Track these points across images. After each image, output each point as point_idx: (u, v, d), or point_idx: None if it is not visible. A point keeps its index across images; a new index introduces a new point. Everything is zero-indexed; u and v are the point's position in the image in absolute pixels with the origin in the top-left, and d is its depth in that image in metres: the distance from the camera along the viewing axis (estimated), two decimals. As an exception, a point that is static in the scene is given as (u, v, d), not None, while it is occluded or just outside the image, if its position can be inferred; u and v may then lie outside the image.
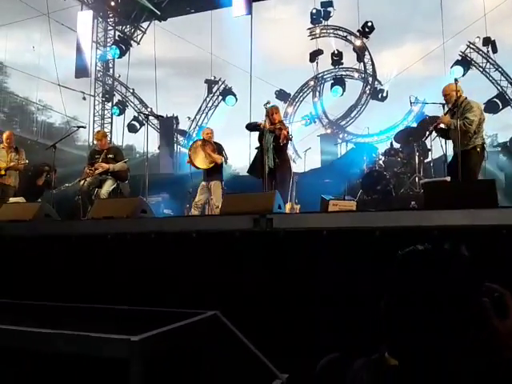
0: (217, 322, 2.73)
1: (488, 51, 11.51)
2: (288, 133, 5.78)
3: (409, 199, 6.46)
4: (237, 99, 13.73)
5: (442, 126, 5.22)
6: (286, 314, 2.83)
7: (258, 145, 6.05)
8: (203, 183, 6.89)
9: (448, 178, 4.75)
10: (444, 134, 5.37)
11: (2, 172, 6.90)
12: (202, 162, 6.78)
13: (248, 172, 5.99)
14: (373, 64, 13.15)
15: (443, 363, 0.95)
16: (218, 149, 6.85)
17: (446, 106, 5.37)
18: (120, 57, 13.68)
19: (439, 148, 6.09)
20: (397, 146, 8.23)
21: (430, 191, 3.39)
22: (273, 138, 5.73)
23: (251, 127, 6.03)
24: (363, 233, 2.76)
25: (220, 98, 14.22)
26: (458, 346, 0.97)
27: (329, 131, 13.76)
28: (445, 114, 5.23)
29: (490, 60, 11.55)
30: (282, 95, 13.90)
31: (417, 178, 7.08)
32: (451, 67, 11.37)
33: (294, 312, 2.81)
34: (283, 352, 2.79)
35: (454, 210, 2.71)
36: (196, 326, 2.59)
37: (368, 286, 2.65)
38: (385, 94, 12.72)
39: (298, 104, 14.40)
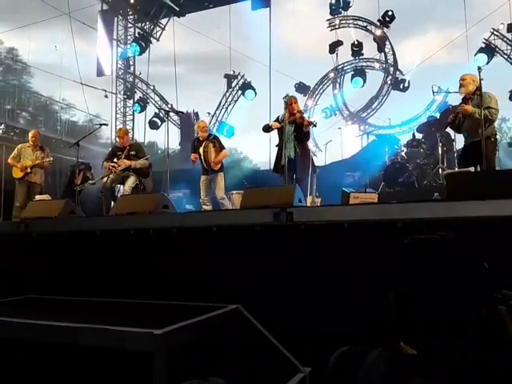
0: (239, 315, 2.76)
1: (513, 38, 11.19)
2: (310, 120, 5.79)
3: (432, 191, 6.34)
4: (256, 93, 13.71)
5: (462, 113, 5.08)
6: (308, 307, 2.83)
7: (277, 141, 6.03)
8: (204, 177, 6.77)
9: (472, 169, 4.65)
10: (456, 127, 5.31)
11: (28, 170, 7.10)
12: (215, 162, 6.64)
13: (273, 171, 5.95)
14: (394, 54, 12.94)
15: (459, 350, 0.94)
16: (219, 142, 6.79)
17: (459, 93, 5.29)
18: (140, 54, 13.82)
19: (463, 138, 5.97)
20: (419, 136, 8.10)
21: (453, 182, 3.32)
22: (293, 128, 5.71)
23: (267, 129, 5.97)
24: (385, 225, 2.73)
25: (239, 92, 14.22)
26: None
27: (350, 123, 13.62)
28: (464, 103, 5.14)
29: (515, 47, 11.23)
30: (301, 88, 13.82)
31: (440, 170, 6.95)
32: (475, 55, 11.09)
33: (315, 306, 2.81)
34: (306, 346, 2.80)
35: (478, 200, 2.65)
36: (218, 320, 2.62)
37: (390, 280, 2.63)
38: (406, 84, 12.49)
39: (317, 96, 14.30)
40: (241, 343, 2.73)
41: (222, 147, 6.75)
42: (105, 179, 6.49)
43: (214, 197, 6.78)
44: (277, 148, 5.97)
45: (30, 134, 7.45)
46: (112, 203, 6.75)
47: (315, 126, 5.84)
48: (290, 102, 5.75)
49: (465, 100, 5.18)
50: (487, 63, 10.82)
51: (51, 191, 8.27)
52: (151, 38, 14.13)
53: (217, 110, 14.65)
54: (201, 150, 6.64)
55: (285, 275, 2.90)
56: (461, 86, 5.22)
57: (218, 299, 2.80)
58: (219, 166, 6.70)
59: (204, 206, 6.73)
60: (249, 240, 3.12)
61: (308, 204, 5.99)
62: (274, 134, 6.16)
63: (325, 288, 2.81)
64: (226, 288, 3.04)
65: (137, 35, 14.09)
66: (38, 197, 6.37)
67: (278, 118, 5.83)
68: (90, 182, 7.49)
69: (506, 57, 11.30)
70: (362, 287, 2.68)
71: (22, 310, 2.99)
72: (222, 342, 2.61)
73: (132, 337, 2.16)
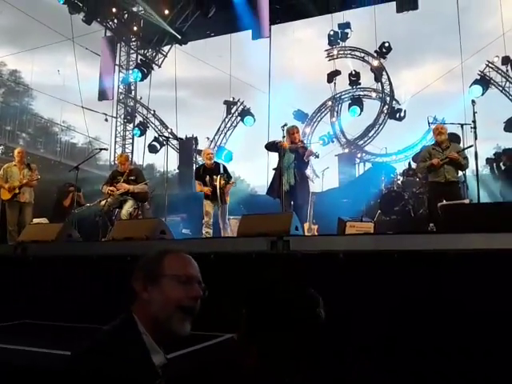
0: (234, 344, 2.75)
1: (507, 70, 11.43)
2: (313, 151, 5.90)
3: (427, 220, 6.40)
4: (255, 119, 13.89)
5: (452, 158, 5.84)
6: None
7: (274, 165, 6.11)
8: (209, 202, 6.66)
9: (466, 201, 4.73)
10: (431, 170, 6.06)
11: (17, 190, 6.80)
12: (227, 194, 6.72)
13: (267, 193, 6.02)
14: (390, 84, 13.19)
15: None
16: (228, 173, 6.81)
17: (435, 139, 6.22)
18: (142, 80, 14.02)
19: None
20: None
21: (448, 214, 3.37)
22: (294, 157, 5.80)
23: (270, 146, 6.04)
24: (381, 256, 2.76)
25: (238, 118, 14.40)
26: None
27: (347, 151, 13.77)
28: (433, 150, 6.14)
29: (509, 79, 11.47)
30: (299, 115, 14.01)
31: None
32: (470, 86, 11.32)
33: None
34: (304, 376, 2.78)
35: (472, 233, 2.69)
36: (214, 349, 2.62)
37: (386, 310, 2.64)
38: (402, 114, 12.71)
39: (315, 124, 14.48)
40: (237, 373, 2.72)
41: (230, 178, 6.76)
42: (103, 202, 6.50)
43: (215, 221, 6.74)
44: (274, 171, 6.04)
45: (16, 151, 7.21)
46: (109, 227, 6.77)
47: (317, 157, 5.98)
48: (292, 132, 5.89)
49: (440, 146, 6.05)
50: (482, 94, 11.05)
51: (47, 213, 8.18)
52: (153, 65, 14.37)
53: (216, 135, 14.79)
54: (207, 179, 6.63)
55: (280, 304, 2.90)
56: (440, 133, 6.08)
57: (214, 327, 2.80)
58: (228, 198, 6.75)
59: (207, 229, 6.60)
60: (245, 267, 3.13)
61: (305, 230, 6.03)
62: (272, 159, 6.26)
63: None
64: (222, 316, 3.03)
65: (139, 61, 14.33)
66: (35, 220, 6.35)
67: (276, 142, 5.90)
68: (88, 204, 7.49)
69: (500, 88, 11.54)
70: (358, 318, 2.69)
71: (17, 335, 2.98)
72: (218, 371, 2.59)
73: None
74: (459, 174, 5.99)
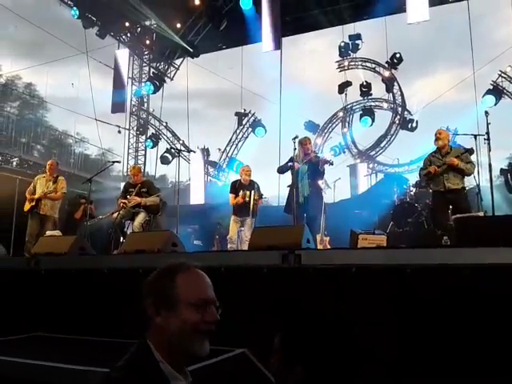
0: (245, 359, 2.73)
1: (520, 80, 11.34)
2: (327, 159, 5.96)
3: (441, 233, 6.32)
4: (266, 130, 13.93)
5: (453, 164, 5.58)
6: (314, 352, 2.79)
7: (289, 178, 6.09)
8: (236, 218, 6.93)
9: (481, 213, 4.66)
10: (430, 178, 5.83)
11: (33, 203, 6.73)
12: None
13: (285, 211, 5.97)
14: (402, 94, 13.16)
15: None
16: (259, 191, 7.07)
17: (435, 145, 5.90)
18: (154, 92, 14.18)
19: (471, 179, 6.02)
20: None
21: (462, 227, 3.33)
22: (307, 168, 5.80)
23: (283, 170, 6.01)
24: (394, 270, 2.72)
25: (250, 129, 14.46)
26: None
27: (358, 161, 13.71)
28: (433, 157, 5.87)
29: (522, 89, 11.37)
30: (310, 126, 14.01)
31: (450, 210, 6.92)
32: (483, 96, 11.23)
33: (321, 350, 2.77)
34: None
35: (486, 247, 2.65)
36: (225, 364, 2.60)
37: (395, 326, 2.60)
38: (414, 124, 12.65)
39: (326, 135, 14.47)
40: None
41: (261, 195, 7.11)
42: (115, 215, 6.55)
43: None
44: (288, 188, 6.02)
45: (48, 163, 7.14)
46: (121, 238, 6.81)
47: (332, 164, 5.97)
48: (304, 143, 5.90)
49: (440, 152, 5.78)
50: (495, 104, 10.95)
51: (60, 225, 8.24)
52: (165, 78, 14.53)
53: (227, 146, 14.87)
54: (241, 193, 6.89)
55: (291, 320, 2.88)
56: (438, 139, 5.79)
57: (225, 342, 2.78)
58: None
59: (230, 244, 6.79)
60: (256, 281, 3.12)
61: (317, 241, 5.99)
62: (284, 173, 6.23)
63: (332, 333, 2.77)
64: (232, 330, 3.01)
65: (151, 74, 14.52)
66: (48, 232, 6.39)
67: (291, 158, 5.88)
68: (100, 216, 7.54)
69: (513, 98, 11.44)
70: (370, 334, 2.65)
71: (30, 348, 2.99)
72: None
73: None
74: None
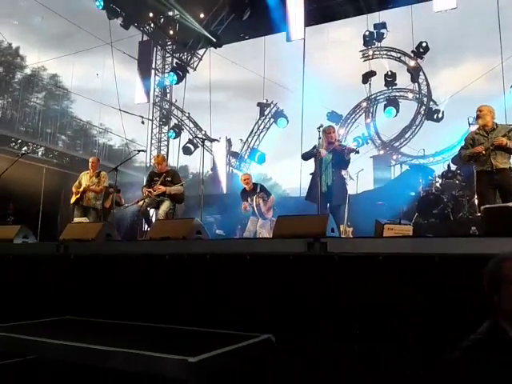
0: (271, 345, 2.75)
1: (551, 69, 10.99)
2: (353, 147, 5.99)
3: (467, 223, 6.21)
4: (288, 121, 13.87)
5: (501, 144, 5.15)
6: (339, 339, 2.80)
7: (310, 166, 6.08)
8: (255, 219, 7.49)
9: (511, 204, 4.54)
10: (476, 158, 5.37)
11: (78, 195, 7.44)
12: (267, 212, 7.54)
13: (306, 199, 5.97)
14: (428, 84, 12.92)
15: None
16: (265, 191, 7.57)
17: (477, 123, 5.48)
18: (177, 83, 14.25)
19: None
20: (454, 168, 7.97)
21: (491, 217, 3.25)
22: (332, 157, 5.76)
23: (308, 156, 5.98)
24: (421, 259, 2.69)
25: (272, 120, 14.42)
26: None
27: (382, 152, 13.55)
28: (476, 135, 5.41)
29: (553, 78, 11.01)
30: (333, 117, 13.89)
31: (476, 201, 6.79)
32: (511, 86, 10.93)
33: (346, 337, 2.77)
34: (336, 375, 2.76)
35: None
36: (251, 349, 2.63)
37: (427, 313, 2.58)
38: (440, 115, 12.40)
39: (350, 125, 14.34)
40: (272, 373, 2.71)
41: (268, 195, 7.60)
42: (140, 203, 6.66)
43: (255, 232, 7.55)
44: (311, 176, 5.99)
45: (90, 161, 7.84)
46: (146, 226, 6.91)
47: (358, 152, 5.97)
48: (328, 131, 5.85)
49: (484, 129, 5.32)
50: (524, 95, 10.65)
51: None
52: (188, 68, 14.58)
53: (249, 136, 14.87)
54: (248, 200, 7.52)
55: (318, 306, 2.89)
56: (478, 117, 5.35)
57: (250, 327, 2.81)
58: (271, 212, 7.54)
59: None
60: (282, 269, 3.13)
61: (340, 232, 5.97)
62: (306, 162, 6.21)
63: (356, 320, 2.77)
64: (258, 316, 3.04)
65: (174, 65, 14.58)
66: (76, 219, 6.56)
67: (315, 146, 5.85)
68: (126, 204, 7.69)
69: (544, 88, 11.09)
70: (398, 321, 2.64)
71: (59, 330, 3.07)
72: (253, 371, 2.60)
73: (167, 363, 2.19)
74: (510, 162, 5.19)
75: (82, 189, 7.46)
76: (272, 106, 14.36)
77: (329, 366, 2.79)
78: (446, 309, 2.57)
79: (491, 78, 12.25)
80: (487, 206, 3.93)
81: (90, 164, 7.73)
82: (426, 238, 3.11)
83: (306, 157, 6.00)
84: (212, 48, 14.06)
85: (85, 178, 7.61)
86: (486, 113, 5.31)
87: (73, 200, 7.55)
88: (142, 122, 14.55)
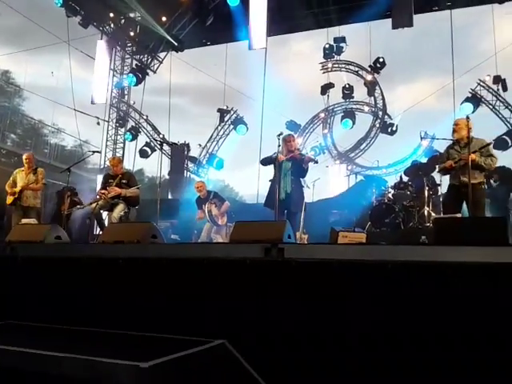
0: (224, 350, 2.72)
1: (498, 89, 11.64)
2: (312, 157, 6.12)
3: (418, 233, 6.43)
4: (248, 128, 13.94)
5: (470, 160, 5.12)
6: (295, 344, 2.81)
7: (269, 173, 6.12)
8: (210, 225, 7.59)
9: (459, 215, 4.76)
10: (448, 172, 5.48)
11: (16, 195, 7.01)
12: (220, 218, 7.67)
13: (265, 205, 6.00)
14: (383, 98, 13.36)
15: None
16: (219, 198, 7.70)
17: (452, 137, 5.53)
18: (136, 84, 14.01)
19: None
20: (406, 179, 8.25)
21: (440, 227, 3.38)
22: (291, 165, 5.82)
23: (266, 162, 6.01)
24: (375, 266, 2.75)
25: (231, 126, 14.44)
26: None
27: (338, 162, 13.86)
28: (451, 149, 5.48)
29: (499, 98, 11.67)
30: (292, 126, 14.08)
31: (426, 212, 7.06)
32: (461, 104, 11.50)
33: (303, 343, 2.79)
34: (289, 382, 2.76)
35: (465, 246, 2.71)
36: (204, 354, 2.59)
37: (381, 319, 2.64)
38: (394, 128, 12.86)
39: (307, 135, 14.58)
40: (225, 379, 2.68)
41: (222, 201, 7.70)
42: (93, 205, 6.44)
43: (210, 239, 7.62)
44: (270, 182, 6.04)
45: (24, 157, 7.37)
46: (98, 230, 6.70)
47: (316, 162, 6.06)
48: (288, 140, 5.93)
49: (458, 144, 5.38)
50: (473, 112, 11.21)
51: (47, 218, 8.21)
52: (148, 70, 14.37)
53: (208, 142, 14.81)
54: (203, 207, 7.62)
55: (274, 311, 2.89)
56: (454, 130, 5.40)
57: (205, 333, 2.78)
58: (225, 218, 7.62)
59: None
60: (239, 274, 3.11)
61: (296, 239, 6.02)
62: (265, 170, 6.27)
63: (313, 326, 2.80)
64: (213, 321, 3.01)
65: (134, 66, 14.32)
66: (23, 220, 6.26)
67: (272, 157, 5.89)
68: (78, 206, 7.42)
69: (490, 107, 11.73)
70: (353, 326, 2.69)
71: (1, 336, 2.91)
72: (206, 377, 2.56)
73: (118, 369, 2.12)
74: (482, 176, 5.27)
75: (18, 188, 7.04)
76: (232, 112, 14.38)
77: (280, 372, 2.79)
78: (397, 314, 2.64)
79: (443, 95, 12.86)
80: (437, 216, 4.10)
81: (24, 160, 7.24)
82: (380, 245, 3.19)
83: (264, 162, 6.05)
84: (173, 52, 13.94)
85: (20, 177, 7.17)
86: (462, 127, 5.29)
87: (9, 201, 7.10)
88: (98, 123, 14.18)
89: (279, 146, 5.73)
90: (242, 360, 2.75)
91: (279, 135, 5.73)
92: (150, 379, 2.11)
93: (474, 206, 4.87)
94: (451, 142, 5.61)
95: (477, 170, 5.14)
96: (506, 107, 11.66)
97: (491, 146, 5.26)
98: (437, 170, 5.83)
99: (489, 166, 5.14)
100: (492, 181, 7.80)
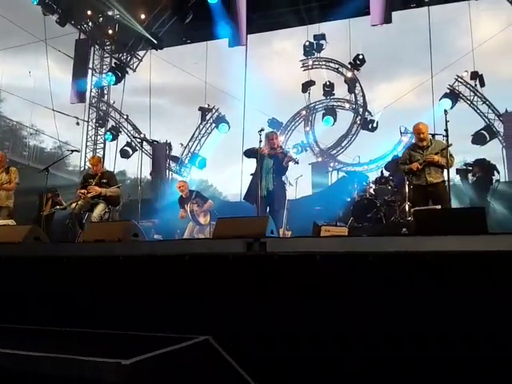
0: (209, 347, 2.70)
1: (476, 85, 11.84)
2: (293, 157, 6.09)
3: (398, 227, 6.50)
4: (230, 127, 13.90)
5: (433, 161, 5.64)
6: (280, 339, 2.81)
7: (251, 171, 6.12)
8: (192, 224, 7.52)
9: (438, 206, 4.84)
10: (413, 173, 5.85)
11: None
12: (203, 217, 7.62)
13: (244, 199, 6.03)
14: (363, 95, 13.46)
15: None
16: (201, 197, 7.66)
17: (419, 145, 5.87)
18: (116, 83, 13.85)
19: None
20: (387, 174, 8.34)
21: (421, 218, 3.43)
22: (273, 162, 5.84)
23: (250, 153, 6.06)
24: (357, 257, 2.77)
25: (213, 125, 14.37)
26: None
27: (320, 159, 13.93)
28: (413, 151, 5.90)
29: (477, 93, 11.87)
30: (274, 124, 14.06)
31: (407, 206, 7.14)
32: (439, 100, 11.66)
33: (287, 337, 2.79)
34: (275, 378, 2.76)
35: (445, 236, 2.74)
36: (188, 351, 2.56)
37: (367, 311, 2.66)
38: (375, 125, 12.98)
39: (289, 133, 14.60)
40: (209, 375, 2.67)
41: (205, 200, 7.67)
42: (73, 205, 6.34)
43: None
44: (251, 176, 6.05)
45: None
46: (79, 230, 6.60)
47: (297, 163, 6.05)
48: (271, 137, 5.95)
49: (420, 146, 5.80)
50: (451, 108, 11.36)
51: (20, 217, 7.99)
52: (127, 69, 14.21)
53: (190, 141, 14.71)
54: (185, 207, 7.55)
55: (258, 306, 2.88)
56: (422, 139, 5.76)
57: (189, 329, 2.75)
58: (208, 217, 7.56)
59: None
60: (221, 269, 3.10)
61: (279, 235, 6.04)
62: (248, 168, 6.28)
63: (298, 320, 2.80)
64: (196, 318, 2.99)
65: (113, 65, 14.15)
66: (1, 221, 6.13)
67: (255, 149, 5.89)
68: (59, 207, 7.29)
69: (468, 102, 11.92)
70: (336, 319, 2.70)
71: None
72: (189, 373, 2.54)
73: (99, 367, 2.09)
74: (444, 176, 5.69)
75: None
76: (214, 111, 14.31)
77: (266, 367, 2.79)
78: (379, 304, 2.66)
79: (422, 92, 13.01)
80: (417, 208, 4.17)
81: None
82: (361, 237, 3.21)
83: (248, 153, 6.07)
84: (153, 51, 13.81)
85: None
86: (426, 134, 5.76)
87: None
88: (77, 124, 13.96)
89: (260, 141, 5.73)
90: (226, 356, 2.74)
91: (260, 131, 5.73)
92: (132, 376, 2.08)
93: (441, 203, 5.21)
94: (412, 145, 6.09)
95: (440, 169, 5.64)
96: (484, 102, 11.86)
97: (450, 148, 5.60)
98: (402, 171, 6.20)
99: (449, 165, 5.56)
100: (470, 175, 7.93)
